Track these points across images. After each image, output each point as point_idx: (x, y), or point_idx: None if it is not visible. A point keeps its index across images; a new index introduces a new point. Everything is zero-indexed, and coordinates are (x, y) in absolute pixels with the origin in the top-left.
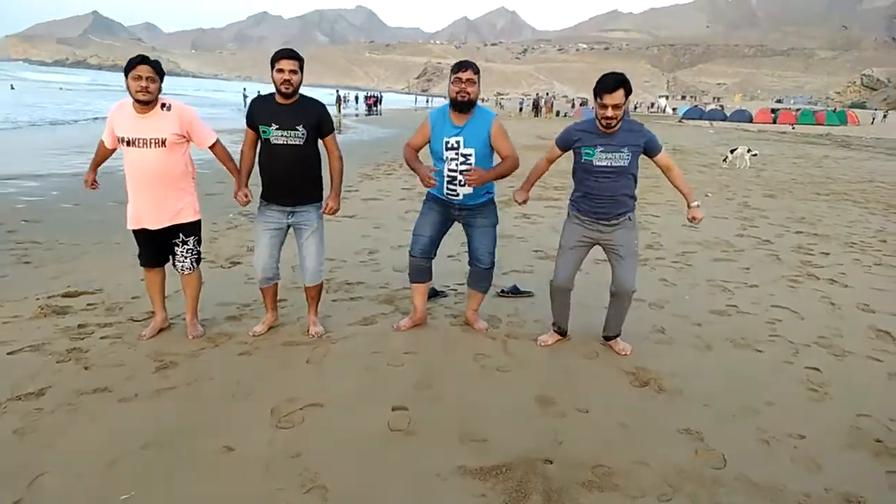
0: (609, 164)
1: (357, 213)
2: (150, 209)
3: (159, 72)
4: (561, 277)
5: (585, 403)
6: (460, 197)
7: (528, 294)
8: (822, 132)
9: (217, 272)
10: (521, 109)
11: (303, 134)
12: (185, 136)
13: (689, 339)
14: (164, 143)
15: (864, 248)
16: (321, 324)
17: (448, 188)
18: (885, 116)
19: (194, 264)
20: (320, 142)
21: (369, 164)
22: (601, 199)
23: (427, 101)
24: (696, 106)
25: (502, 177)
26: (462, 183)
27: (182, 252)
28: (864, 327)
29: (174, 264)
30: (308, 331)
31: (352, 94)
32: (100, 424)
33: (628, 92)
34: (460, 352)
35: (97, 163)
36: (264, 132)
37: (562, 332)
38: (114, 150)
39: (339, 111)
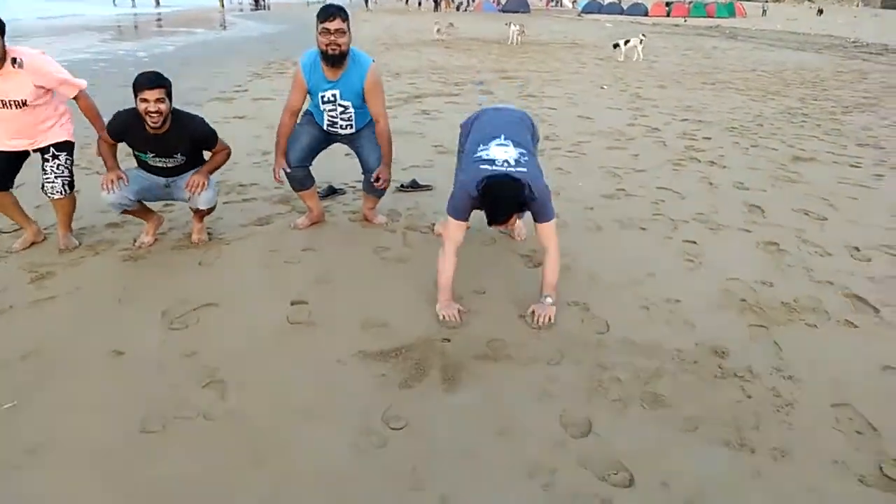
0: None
1: (247, 114)
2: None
3: None
4: None
5: (482, 286)
6: (341, 134)
7: (428, 188)
8: (712, 24)
9: (94, 179)
10: (420, 4)
11: (182, 158)
12: (45, 88)
13: (581, 222)
14: (24, 103)
15: (743, 132)
16: (209, 231)
17: (329, 129)
18: (766, 7)
19: (66, 188)
20: None
21: (259, 63)
22: None
23: None
24: (594, 0)
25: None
26: (343, 127)
27: (53, 168)
28: (739, 203)
29: (42, 186)
30: (191, 238)
31: None
32: None
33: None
34: (360, 246)
35: None
36: (138, 155)
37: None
38: None
39: (223, 5)
